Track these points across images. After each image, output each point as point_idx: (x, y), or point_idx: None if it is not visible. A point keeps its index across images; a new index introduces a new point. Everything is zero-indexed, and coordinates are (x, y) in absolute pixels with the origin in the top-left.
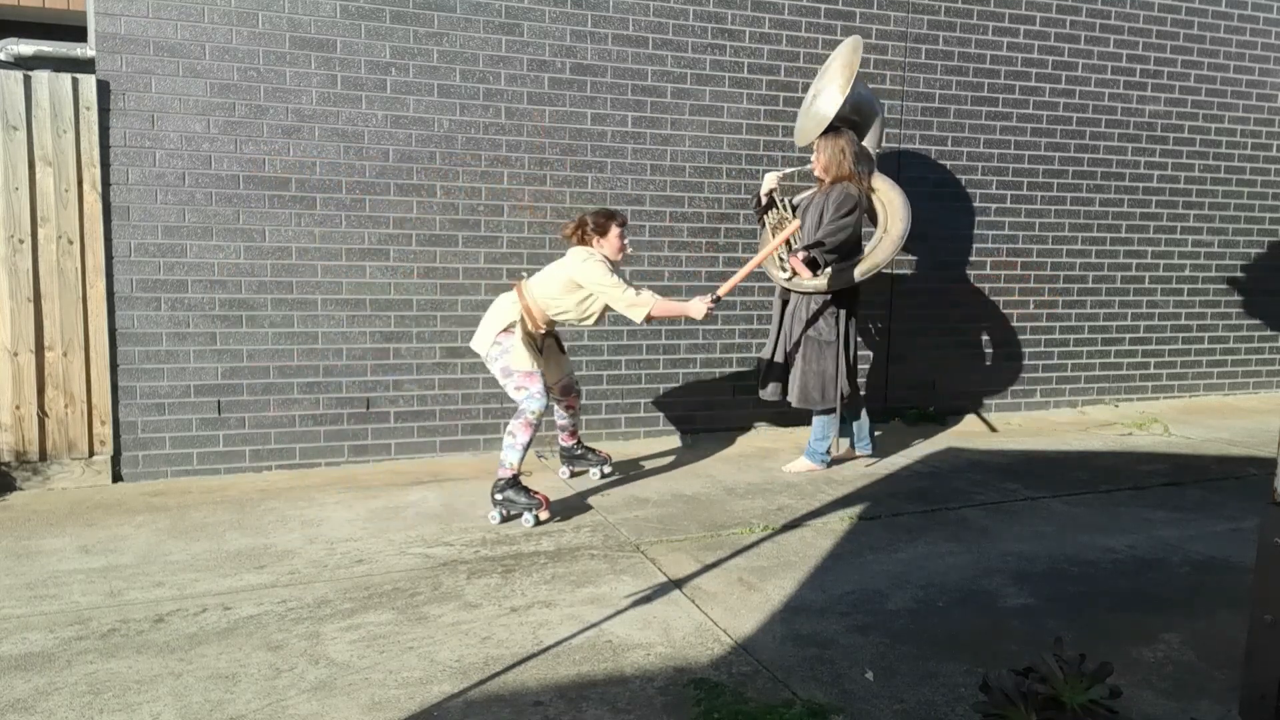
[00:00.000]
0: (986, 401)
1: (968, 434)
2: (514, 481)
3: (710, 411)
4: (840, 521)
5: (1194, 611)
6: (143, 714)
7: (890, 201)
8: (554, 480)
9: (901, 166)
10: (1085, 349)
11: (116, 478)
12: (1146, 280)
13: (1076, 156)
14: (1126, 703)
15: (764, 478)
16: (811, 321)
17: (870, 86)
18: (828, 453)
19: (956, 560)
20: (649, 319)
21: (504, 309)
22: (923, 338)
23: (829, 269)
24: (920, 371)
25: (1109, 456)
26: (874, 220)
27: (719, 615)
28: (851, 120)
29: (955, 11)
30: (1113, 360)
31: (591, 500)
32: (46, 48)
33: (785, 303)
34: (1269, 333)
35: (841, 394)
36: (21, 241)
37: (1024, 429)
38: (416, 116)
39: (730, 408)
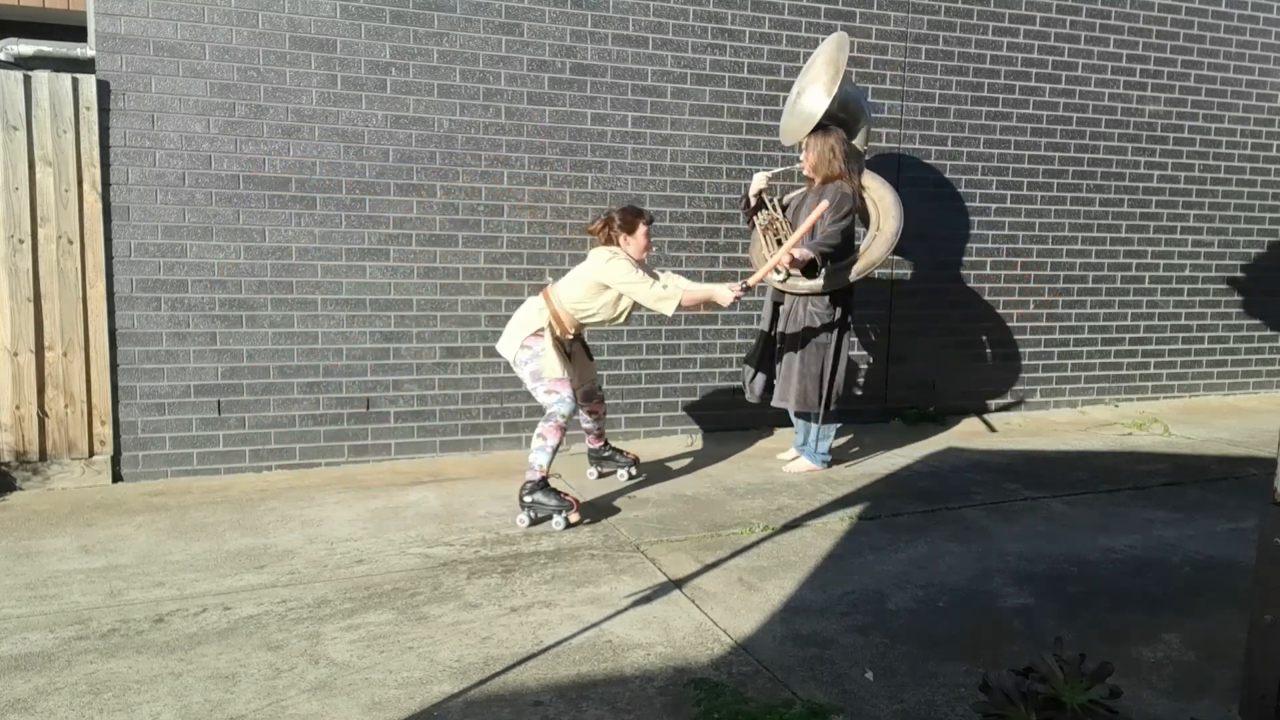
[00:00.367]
0: (986, 402)
1: (968, 434)
2: (543, 484)
3: (710, 411)
4: (840, 521)
5: (1194, 611)
6: (142, 714)
7: (882, 199)
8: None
9: (901, 166)
10: (1085, 349)
11: (116, 478)
12: (1146, 280)
13: (1076, 156)
14: (1126, 703)
15: (764, 478)
16: (810, 324)
17: (870, 86)
18: (828, 453)
19: (956, 560)
20: (679, 308)
21: (531, 314)
22: (923, 338)
23: (823, 270)
24: (920, 372)
25: (1109, 456)
26: (865, 220)
27: (719, 615)
28: (839, 118)
29: (955, 11)
30: (1113, 360)
31: (592, 500)
32: (46, 48)
33: (777, 304)
34: (1269, 333)
35: (838, 394)
36: (21, 241)
37: (1024, 429)
38: (416, 116)
39: (730, 408)
